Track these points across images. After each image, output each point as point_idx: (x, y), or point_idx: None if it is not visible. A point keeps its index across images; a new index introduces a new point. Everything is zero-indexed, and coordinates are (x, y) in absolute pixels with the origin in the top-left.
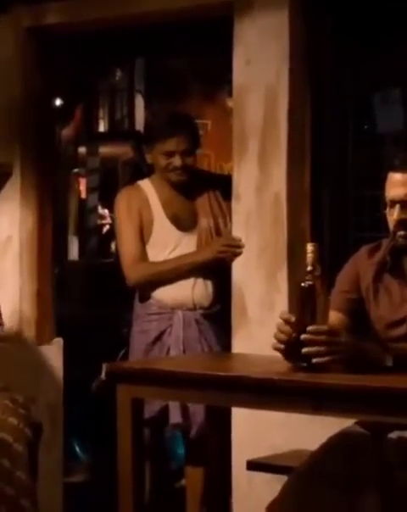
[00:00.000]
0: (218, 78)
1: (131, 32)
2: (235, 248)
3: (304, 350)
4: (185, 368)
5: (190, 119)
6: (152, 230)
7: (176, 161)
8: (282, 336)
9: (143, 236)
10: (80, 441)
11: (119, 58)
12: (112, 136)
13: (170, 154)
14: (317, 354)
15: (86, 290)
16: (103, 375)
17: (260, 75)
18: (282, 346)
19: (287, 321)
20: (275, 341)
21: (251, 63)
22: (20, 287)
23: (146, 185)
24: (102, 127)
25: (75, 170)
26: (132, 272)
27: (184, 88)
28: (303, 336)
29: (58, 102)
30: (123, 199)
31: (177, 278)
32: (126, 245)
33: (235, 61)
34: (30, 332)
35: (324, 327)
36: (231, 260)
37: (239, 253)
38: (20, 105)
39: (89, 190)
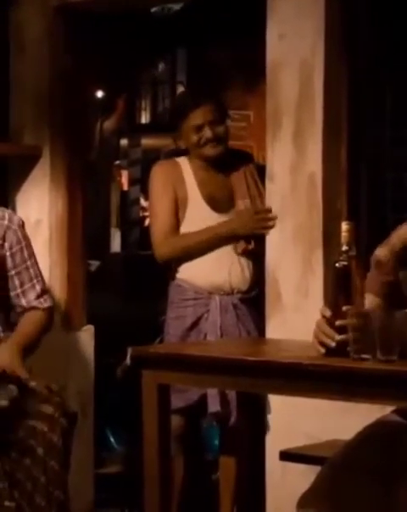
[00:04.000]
0: (260, 69)
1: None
2: (267, 220)
3: (338, 338)
4: (212, 353)
5: (211, 90)
6: (186, 209)
7: (207, 133)
8: (328, 342)
9: (178, 212)
10: (114, 431)
11: (161, 49)
12: (154, 127)
13: (199, 128)
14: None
15: (128, 282)
16: (127, 360)
17: (295, 50)
18: (333, 343)
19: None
20: (319, 333)
21: (285, 37)
22: (50, 272)
23: (183, 162)
24: (144, 119)
25: (117, 162)
26: (161, 247)
27: (226, 79)
28: (338, 322)
29: (99, 93)
30: (159, 172)
31: (207, 251)
32: (158, 219)
33: (268, 36)
34: (59, 318)
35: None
36: (263, 233)
37: (271, 226)
38: (49, 86)
39: (131, 182)
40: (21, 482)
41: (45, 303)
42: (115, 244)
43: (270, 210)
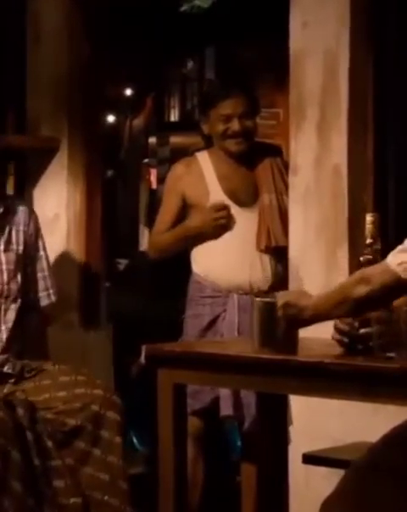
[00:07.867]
0: (289, 66)
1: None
2: (224, 215)
3: (361, 331)
4: (229, 351)
5: (246, 80)
6: (206, 205)
7: (235, 125)
8: (344, 327)
9: (180, 215)
10: (137, 432)
11: (190, 47)
12: (183, 125)
13: (227, 118)
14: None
15: (156, 280)
16: (142, 359)
17: (318, 39)
18: (346, 339)
19: None
20: (334, 331)
21: (308, 25)
22: (67, 269)
23: (203, 157)
24: (172, 117)
25: (146, 161)
26: (149, 248)
27: (254, 77)
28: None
29: (128, 92)
30: (172, 172)
31: (183, 247)
32: (159, 219)
33: (291, 24)
34: (76, 316)
35: None
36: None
37: (223, 223)
38: (67, 77)
39: (159, 180)
40: (90, 475)
41: None
42: (144, 243)
43: (223, 206)
